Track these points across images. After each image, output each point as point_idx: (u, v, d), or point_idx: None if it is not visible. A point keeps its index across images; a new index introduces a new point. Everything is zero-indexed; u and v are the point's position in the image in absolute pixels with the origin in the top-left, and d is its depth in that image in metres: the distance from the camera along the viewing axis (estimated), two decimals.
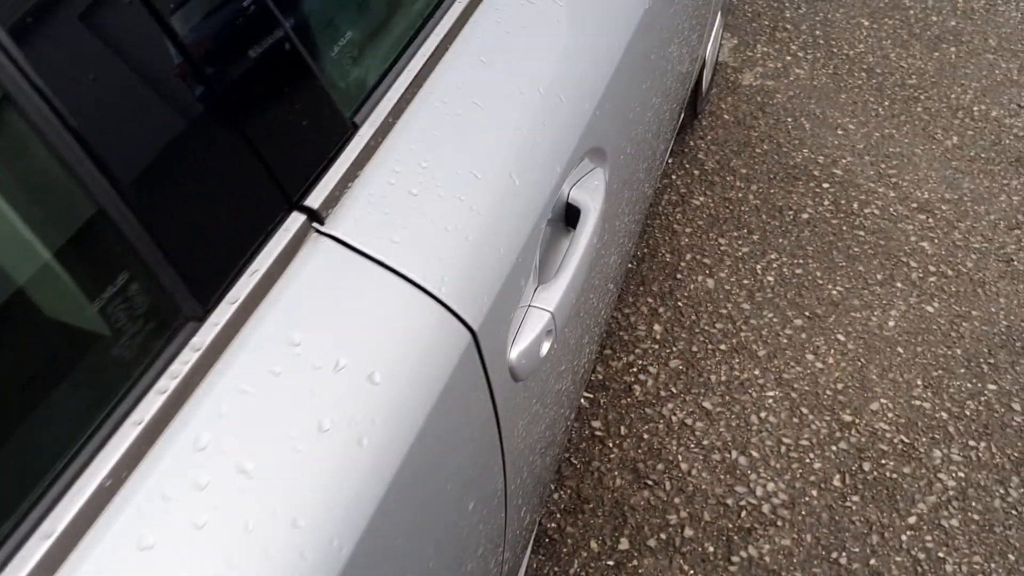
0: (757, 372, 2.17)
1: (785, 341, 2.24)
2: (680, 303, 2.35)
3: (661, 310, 2.33)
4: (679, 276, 2.42)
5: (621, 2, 1.12)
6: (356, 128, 0.78)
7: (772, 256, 2.46)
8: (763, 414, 2.09)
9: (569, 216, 1.02)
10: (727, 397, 2.12)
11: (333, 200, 0.72)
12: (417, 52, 0.87)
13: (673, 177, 2.71)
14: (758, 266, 2.43)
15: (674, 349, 2.23)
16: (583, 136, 0.98)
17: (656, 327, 2.29)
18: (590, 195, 1.01)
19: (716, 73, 3.06)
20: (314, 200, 0.71)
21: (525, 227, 0.85)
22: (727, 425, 2.07)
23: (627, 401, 2.12)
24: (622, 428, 2.07)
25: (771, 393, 2.13)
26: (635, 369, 2.19)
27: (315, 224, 0.71)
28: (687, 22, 1.66)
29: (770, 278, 2.40)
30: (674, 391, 2.14)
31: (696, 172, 2.73)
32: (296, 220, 0.69)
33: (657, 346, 2.24)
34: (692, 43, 1.86)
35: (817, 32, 3.27)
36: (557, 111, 0.94)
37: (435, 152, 0.81)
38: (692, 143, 2.82)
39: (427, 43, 0.88)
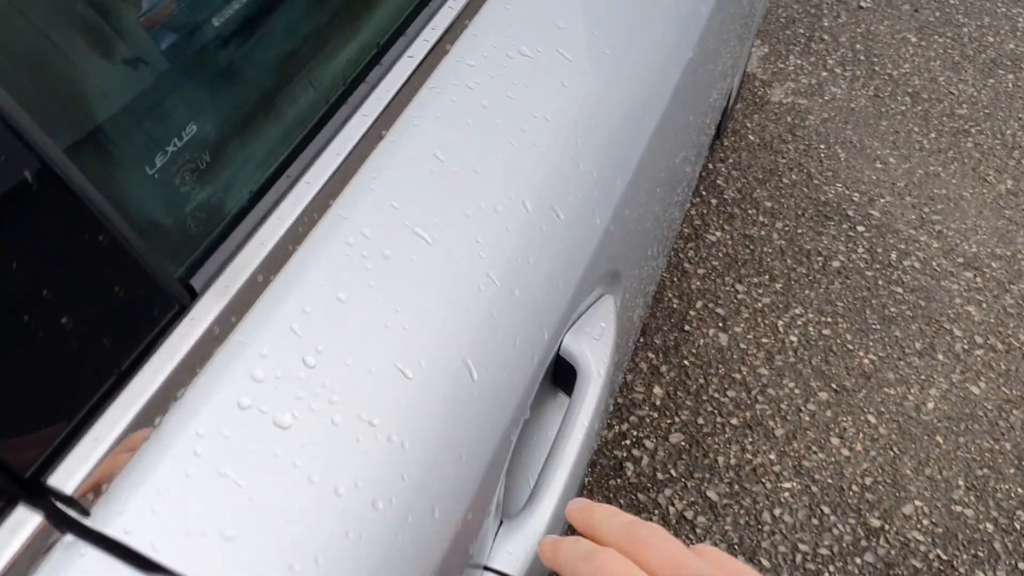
0: (773, 456, 1.85)
1: (807, 419, 1.91)
2: (687, 362, 2.01)
3: (664, 369, 2.00)
4: (687, 328, 2.08)
5: (657, 53, 0.77)
6: (191, 298, 0.44)
7: (796, 311, 2.12)
8: (777, 511, 1.76)
9: (559, 372, 0.68)
10: (736, 486, 1.80)
11: (111, 468, 0.39)
12: (326, 149, 0.52)
13: (687, 205, 2.37)
14: (780, 322, 2.10)
15: (676, 420, 1.90)
16: (589, 267, 0.64)
17: (656, 390, 1.96)
18: (590, 346, 0.67)
19: (743, 85, 2.71)
20: (69, 473, 0.37)
21: (481, 455, 0.51)
22: (734, 523, 1.74)
23: (617, 482, 1.80)
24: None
25: (788, 485, 1.80)
26: (628, 442, 1.86)
27: (72, 515, 0.37)
28: (731, 50, 1.31)
29: (793, 338, 2.07)
30: (674, 474, 1.81)
31: (714, 201, 2.39)
32: (26, 520, 0.36)
33: (656, 414, 1.91)
34: (732, 69, 1.51)
35: (858, 46, 2.92)
36: (551, 237, 0.60)
37: (334, 334, 0.47)
38: (711, 166, 2.48)
39: (344, 133, 0.53)
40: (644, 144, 0.72)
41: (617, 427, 1.88)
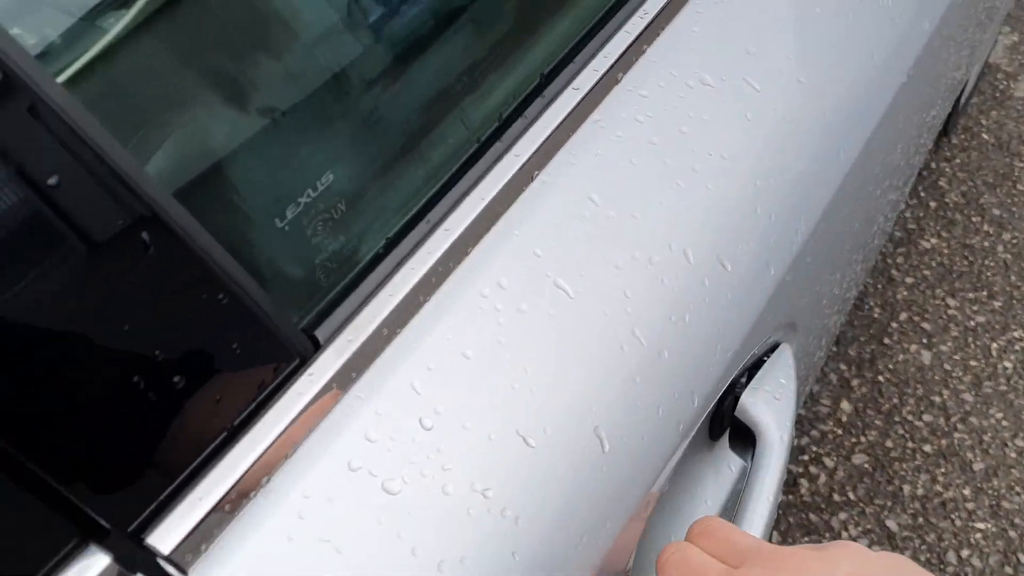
0: (967, 492, 1.70)
1: (1013, 456, 1.74)
2: (882, 377, 1.87)
3: (855, 383, 1.87)
4: (887, 341, 1.93)
5: (861, 80, 0.69)
6: (315, 350, 0.43)
7: (1015, 334, 1.92)
8: (965, 552, 1.62)
9: (735, 435, 0.64)
10: (921, 519, 1.67)
11: (213, 528, 0.38)
12: (471, 192, 0.50)
13: (901, 205, 2.19)
14: (994, 344, 1.91)
15: (862, 439, 1.78)
16: (756, 324, 0.59)
17: (844, 405, 1.84)
18: (770, 408, 0.61)
19: (982, 77, 2.46)
20: (170, 531, 0.37)
21: (603, 537, 0.48)
22: (914, 558, 1.61)
23: (789, 499, 1.71)
24: (775, 535, 1.66)
25: (981, 525, 1.65)
26: (807, 457, 1.76)
27: (171, 573, 0.38)
28: (959, 53, 1.18)
29: (1007, 364, 1.88)
30: (852, 497, 1.70)
31: (932, 204, 2.20)
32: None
33: (841, 431, 1.80)
34: (962, 70, 1.37)
35: None
36: (714, 291, 0.55)
37: (456, 394, 0.45)
38: (934, 165, 2.27)
39: (492, 174, 0.51)
40: (836, 186, 0.65)
41: (796, 440, 1.78)
